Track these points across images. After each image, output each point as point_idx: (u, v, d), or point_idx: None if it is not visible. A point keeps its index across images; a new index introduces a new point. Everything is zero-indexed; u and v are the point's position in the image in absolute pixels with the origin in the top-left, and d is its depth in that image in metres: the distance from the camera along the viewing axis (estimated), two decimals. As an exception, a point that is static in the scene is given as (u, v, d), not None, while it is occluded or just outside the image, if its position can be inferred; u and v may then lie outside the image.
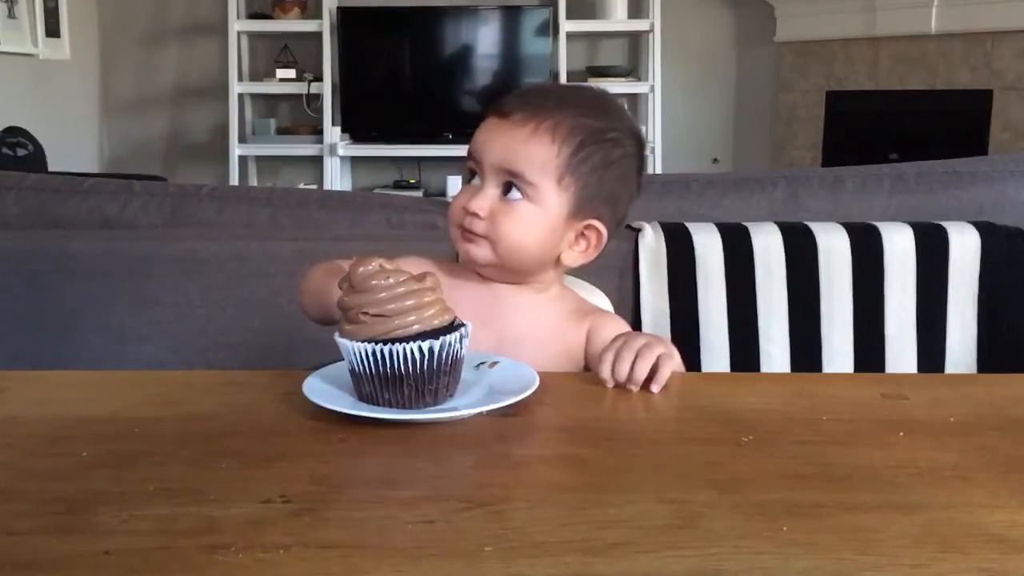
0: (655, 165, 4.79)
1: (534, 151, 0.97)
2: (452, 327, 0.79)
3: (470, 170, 1.01)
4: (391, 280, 0.78)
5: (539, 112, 0.98)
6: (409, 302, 0.78)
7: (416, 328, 0.77)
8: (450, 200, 1.06)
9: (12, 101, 3.95)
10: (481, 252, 0.99)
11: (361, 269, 0.79)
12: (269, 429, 0.76)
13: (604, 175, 1.00)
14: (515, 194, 0.98)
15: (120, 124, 4.96)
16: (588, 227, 1.01)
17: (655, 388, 0.87)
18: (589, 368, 1.02)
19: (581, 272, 1.11)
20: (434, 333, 0.78)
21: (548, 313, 1.03)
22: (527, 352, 0.94)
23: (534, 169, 0.97)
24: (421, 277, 0.80)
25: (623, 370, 0.87)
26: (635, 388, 0.87)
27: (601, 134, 1.00)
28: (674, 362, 0.89)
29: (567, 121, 0.98)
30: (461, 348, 0.80)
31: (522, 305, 1.02)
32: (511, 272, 1.01)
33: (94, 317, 1.50)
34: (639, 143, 1.05)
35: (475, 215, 0.97)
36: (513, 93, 1.02)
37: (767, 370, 1.54)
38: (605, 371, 0.88)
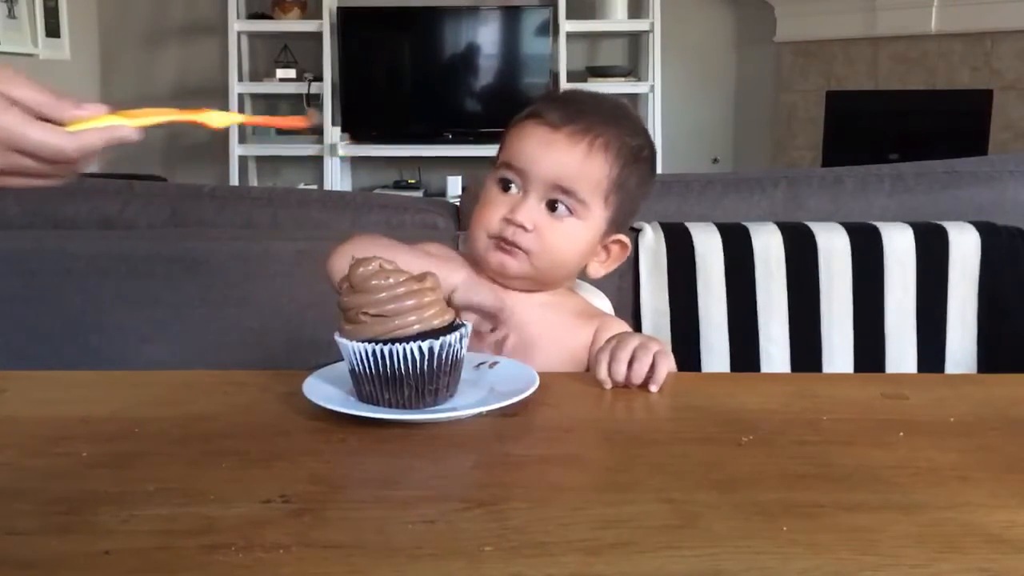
0: (655, 165, 4.78)
1: (591, 170, 0.97)
2: (452, 327, 0.79)
3: (504, 178, 0.99)
4: (391, 280, 0.78)
5: (591, 128, 0.97)
6: (409, 302, 0.77)
7: (416, 328, 0.77)
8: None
9: (12, 101, 3.95)
10: (518, 265, 0.98)
11: (361, 269, 0.79)
12: (269, 429, 0.76)
13: (637, 193, 1.02)
14: (563, 210, 0.97)
15: (120, 124, 4.95)
16: (615, 240, 1.03)
17: (653, 388, 0.87)
18: (591, 369, 1.02)
19: (581, 272, 1.11)
20: (434, 333, 0.78)
21: (557, 315, 1.03)
22: (537, 354, 0.95)
23: (588, 188, 0.97)
24: (421, 277, 0.80)
25: (620, 370, 0.87)
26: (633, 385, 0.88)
27: (640, 153, 1.01)
28: (669, 361, 0.89)
29: (615, 140, 0.98)
30: (461, 348, 0.80)
31: (533, 308, 1.02)
32: (539, 283, 1.01)
33: (94, 317, 1.50)
34: (655, 155, 1.07)
35: (522, 227, 0.96)
36: (551, 101, 1.00)
37: (767, 370, 1.54)
38: (601, 371, 0.88)
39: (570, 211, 0.98)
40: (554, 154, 0.96)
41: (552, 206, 0.97)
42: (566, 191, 0.97)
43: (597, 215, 0.99)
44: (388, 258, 0.81)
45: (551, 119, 0.97)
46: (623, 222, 1.03)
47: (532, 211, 0.97)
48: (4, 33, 3.97)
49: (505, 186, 0.99)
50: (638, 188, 1.02)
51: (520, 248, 0.97)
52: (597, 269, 1.05)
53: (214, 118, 0.76)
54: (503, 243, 0.98)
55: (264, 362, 1.48)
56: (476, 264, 1.01)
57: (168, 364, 1.48)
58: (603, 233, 1.01)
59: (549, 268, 1.00)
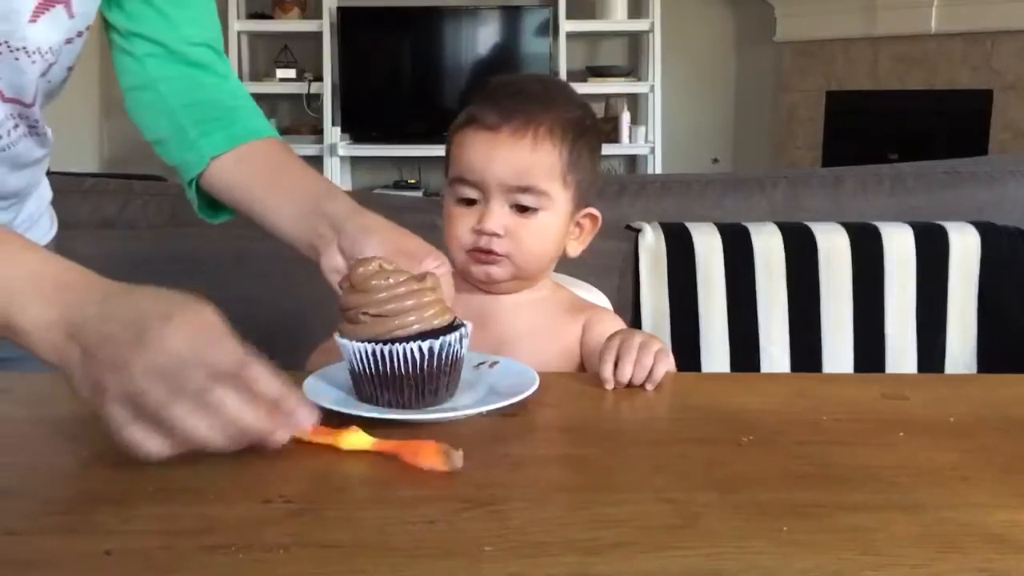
0: (655, 165, 4.79)
1: (541, 160, 0.97)
2: (452, 327, 0.79)
3: (462, 193, 0.99)
4: (391, 280, 0.78)
5: (530, 119, 0.97)
6: (409, 302, 0.77)
7: (416, 328, 0.77)
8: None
9: (12, 101, 3.94)
10: (502, 271, 0.99)
11: (361, 269, 0.78)
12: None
13: (591, 163, 1.03)
14: (529, 207, 0.98)
15: (120, 124, 4.95)
16: (585, 215, 1.03)
17: (649, 387, 0.87)
18: (585, 362, 1.02)
19: (582, 272, 1.11)
20: (434, 333, 0.78)
21: (544, 311, 1.04)
22: (525, 351, 0.95)
23: (544, 178, 0.98)
24: (421, 277, 0.80)
25: (627, 371, 0.87)
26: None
27: (582, 124, 1.01)
28: (669, 361, 0.89)
29: (556, 123, 0.98)
30: (461, 348, 0.80)
31: (518, 305, 1.02)
32: (525, 281, 1.02)
33: (94, 317, 1.50)
34: (595, 117, 1.08)
35: (495, 235, 0.97)
36: (483, 101, 1.00)
37: (767, 370, 1.54)
38: (607, 372, 0.88)
39: (536, 206, 0.98)
40: (502, 156, 0.97)
41: (517, 206, 0.98)
42: (525, 189, 0.97)
43: (561, 200, 0.99)
44: None
45: (489, 121, 0.97)
46: (587, 194, 1.03)
47: (499, 216, 0.97)
48: (4, 33, 3.97)
49: (466, 200, 0.99)
50: (591, 157, 1.02)
51: (498, 254, 0.98)
52: (575, 247, 1.05)
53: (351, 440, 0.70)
54: (480, 254, 0.98)
55: (264, 362, 1.48)
56: (461, 277, 1.02)
57: (168, 364, 1.48)
58: (570, 213, 1.02)
59: (531, 265, 1.00)
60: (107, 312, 0.66)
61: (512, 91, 1.01)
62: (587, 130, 1.02)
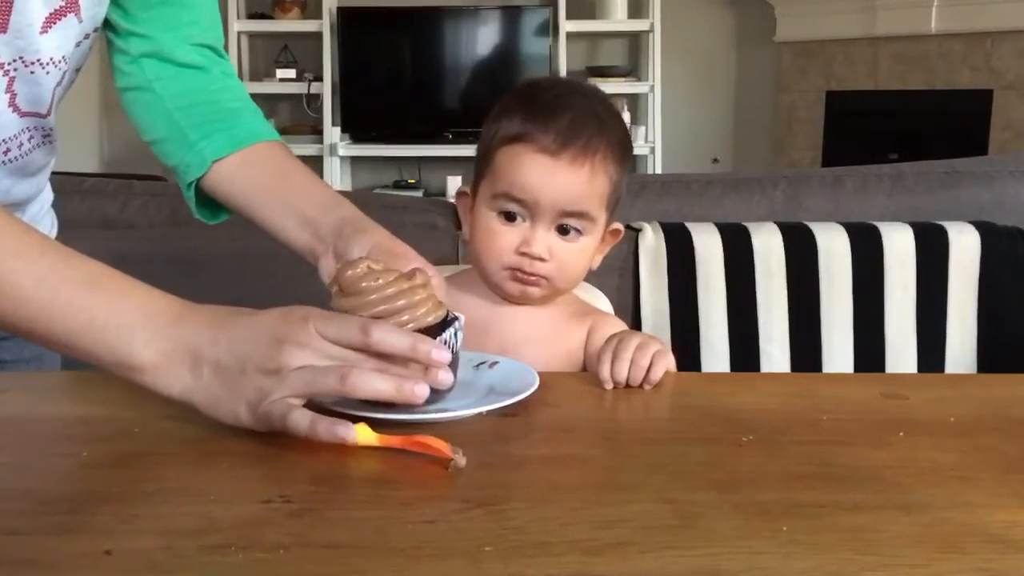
0: (655, 165, 4.79)
1: (596, 188, 0.97)
2: (446, 323, 0.79)
3: (508, 209, 0.98)
4: (380, 281, 0.77)
5: (589, 144, 0.96)
6: (400, 302, 0.77)
7: (410, 327, 0.77)
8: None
9: (12, 101, 3.94)
10: (540, 291, 1.00)
11: (349, 272, 0.78)
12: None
13: (625, 180, 1.03)
14: (573, 231, 0.98)
15: (120, 124, 4.96)
16: (611, 230, 1.04)
17: (647, 387, 0.87)
18: (588, 367, 1.02)
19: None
20: (429, 331, 0.77)
21: (548, 316, 1.04)
22: (529, 353, 0.95)
23: (596, 205, 0.98)
24: (410, 275, 0.79)
25: (622, 370, 0.87)
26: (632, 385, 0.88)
27: (625, 146, 1.02)
28: (668, 360, 0.89)
29: (611, 149, 0.98)
30: (457, 343, 0.80)
31: (523, 311, 1.02)
32: (555, 296, 1.03)
33: (94, 317, 1.50)
34: (626, 128, 1.07)
35: (540, 259, 0.97)
36: (535, 117, 0.96)
37: (767, 370, 1.54)
38: (604, 372, 0.88)
39: (581, 230, 0.98)
40: (560, 183, 0.96)
41: (562, 229, 0.98)
42: (576, 214, 0.97)
43: (601, 221, 1.01)
44: None
45: (546, 144, 0.95)
46: (616, 211, 1.04)
47: (546, 240, 0.97)
48: (4, 33, 3.97)
49: (509, 216, 0.98)
50: (626, 175, 1.03)
51: (540, 276, 0.98)
52: (596, 260, 1.05)
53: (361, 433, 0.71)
54: (520, 274, 0.98)
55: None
56: (489, 287, 1.02)
57: (168, 364, 1.48)
58: (605, 230, 1.03)
59: (567, 284, 1.02)
60: (229, 333, 0.71)
61: (563, 107, 0.97)
62: (628, 152, 1.02)
